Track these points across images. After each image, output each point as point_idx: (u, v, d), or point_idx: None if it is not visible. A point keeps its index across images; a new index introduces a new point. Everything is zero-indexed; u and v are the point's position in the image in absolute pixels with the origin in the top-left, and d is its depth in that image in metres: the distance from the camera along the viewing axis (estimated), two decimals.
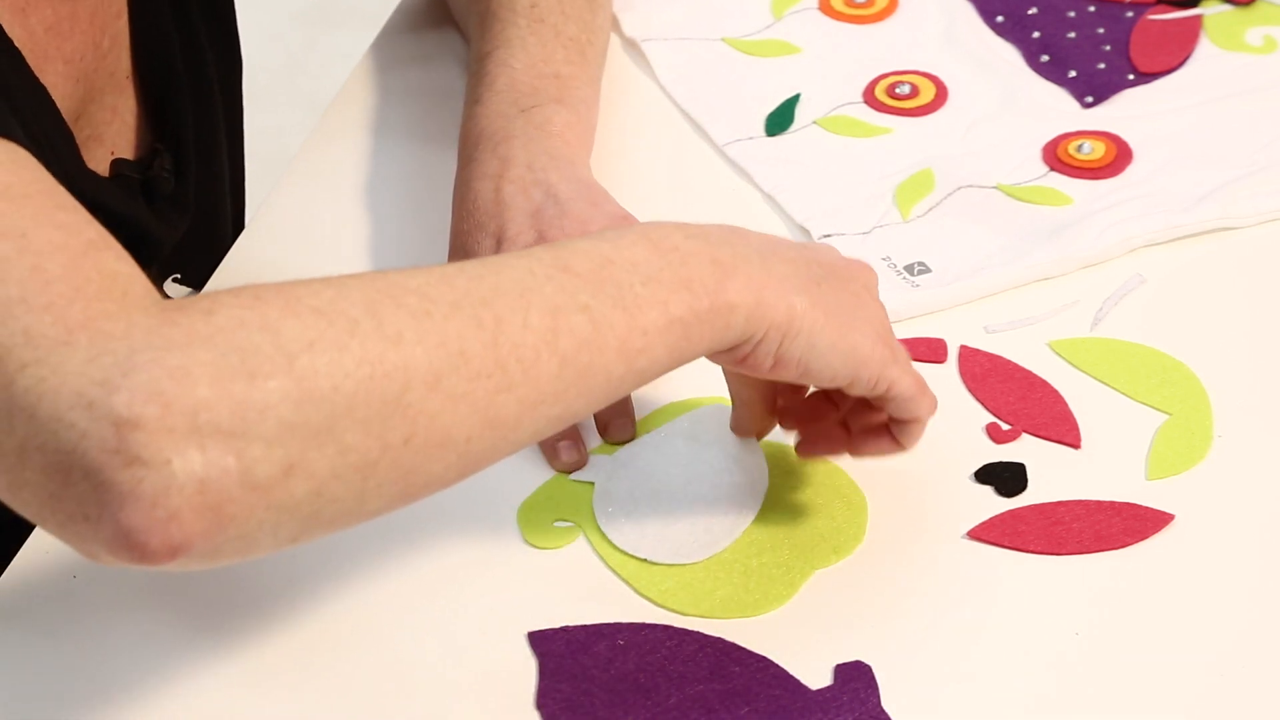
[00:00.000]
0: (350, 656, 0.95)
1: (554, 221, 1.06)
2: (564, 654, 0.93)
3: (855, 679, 0.92)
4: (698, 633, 0.94)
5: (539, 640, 0.94)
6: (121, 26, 1.10)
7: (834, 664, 0.93)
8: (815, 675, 0.93)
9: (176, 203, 1.13)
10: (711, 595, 0.96)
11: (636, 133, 1.25)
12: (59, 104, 1.04)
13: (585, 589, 0.97)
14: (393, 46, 1.33)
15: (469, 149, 1.13)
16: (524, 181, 1.09)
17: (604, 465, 1.03)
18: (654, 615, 0.96)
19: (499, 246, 1.07)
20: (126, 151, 1.12)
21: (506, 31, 1.18)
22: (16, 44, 0.99)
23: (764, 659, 0.93)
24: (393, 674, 0.94)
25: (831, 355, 0.90)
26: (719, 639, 0.94)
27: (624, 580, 0.97)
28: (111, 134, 1.10)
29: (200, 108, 1.15)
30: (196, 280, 1.16)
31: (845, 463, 1.02)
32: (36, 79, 1.01)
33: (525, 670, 0.93)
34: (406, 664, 0.94)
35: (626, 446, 1.04)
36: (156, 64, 1.12)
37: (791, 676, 0.92)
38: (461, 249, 1.09)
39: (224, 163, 1.19)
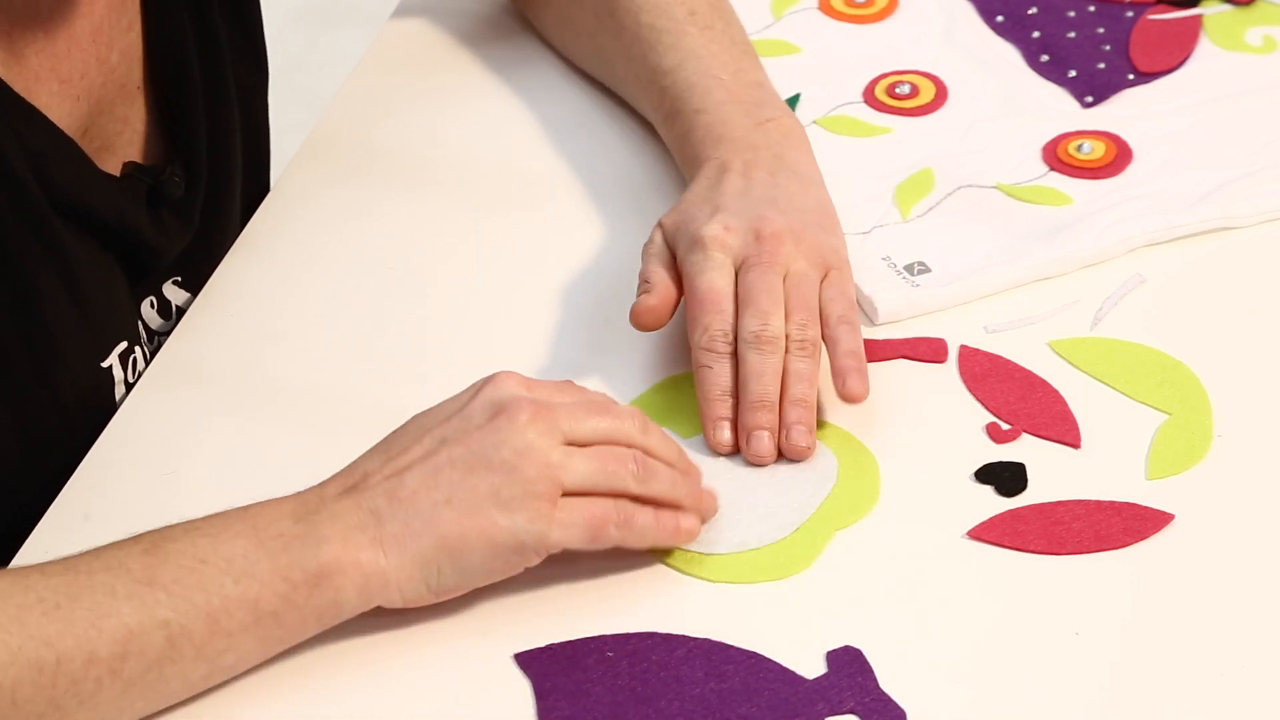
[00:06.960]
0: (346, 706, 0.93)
1: (771, 231, 1.05)
2: (555, 672, 0.92)
3: (849, 664, 0.92)
4: (683, 636, 0.94)
5: (527, 661, 0.93)
6: (133, 39, 1.10)
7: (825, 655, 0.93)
8: (808, 669, 0.93)
9: (182, 213, 1.13)
10: (739, 561, 0.97)
11: (637, 131, 1.25)
12: (57, 121, 1.04)
13: (561, 601, 0.96)
14: (393, 46, 1.33)
15: (709, 148, 1.12)
16: (766, 185, 1.09)
17: None
18: (635, 622, 0.94)
19: (714, 214, 1.06)
20: (139, 159, 1.12)
21: (684, 42, 1.16)
22: None
23: (756, 654, 0.93)
24: (389, 716, 0.92)
25: (493, 563, 0.92)
26: (706, 640, 0.94)
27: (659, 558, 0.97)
28: (122, 144, 1.11)
29: (215, 115, 1.15)
30: (197, 285, 1.16)
31: (856, 427, 1.03)
32: (19, 96, 1.01)
33: (519, 692, 0.92)
34: (400, 704, 0.92)
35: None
36: (171, 74, 1.12)
37: (786, 669, 0.92)
38: (685, 215, 1.08)
39: (237, 169, 1.19)
